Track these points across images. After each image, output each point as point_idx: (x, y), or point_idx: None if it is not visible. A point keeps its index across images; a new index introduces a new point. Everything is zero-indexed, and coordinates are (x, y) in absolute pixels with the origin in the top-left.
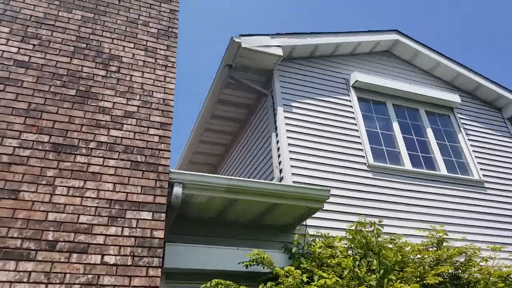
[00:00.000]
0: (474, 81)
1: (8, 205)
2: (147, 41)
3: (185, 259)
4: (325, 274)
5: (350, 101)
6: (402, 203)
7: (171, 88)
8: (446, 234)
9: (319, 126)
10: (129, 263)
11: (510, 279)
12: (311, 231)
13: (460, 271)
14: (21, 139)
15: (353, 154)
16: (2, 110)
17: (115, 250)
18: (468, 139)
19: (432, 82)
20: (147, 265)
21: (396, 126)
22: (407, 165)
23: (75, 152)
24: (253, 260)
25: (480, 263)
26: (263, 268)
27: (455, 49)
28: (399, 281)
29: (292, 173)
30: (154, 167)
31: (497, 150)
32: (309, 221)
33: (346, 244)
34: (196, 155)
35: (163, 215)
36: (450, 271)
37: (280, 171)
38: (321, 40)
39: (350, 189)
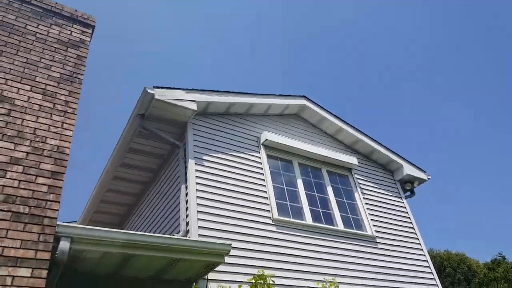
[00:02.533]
0: (371, 146)
1: None
2: (46, 84)
3: None
4: None
5: (259, 157)
6: (303, 256)
7: (68, 135)
8: (337, 286)
9: (229, 180)
10: None
11: None
12: (214, 285)
13: None
14: None
15: (260, 208)
16: None
17: None
18: (363, 197)
19: (334, 145)
20: None
21: (300, 183)
22: (308, 219)
23: None
24: None
25: None
26: None
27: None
28: None
29: (199, 226)
30: (39, 219)
31: (388, 208)
32: (211, 275)
33: None
34: (104, 204)
35: (45, 272)
36: None
37: (187, 224)
38: (236, 99)
39: (254, 242)
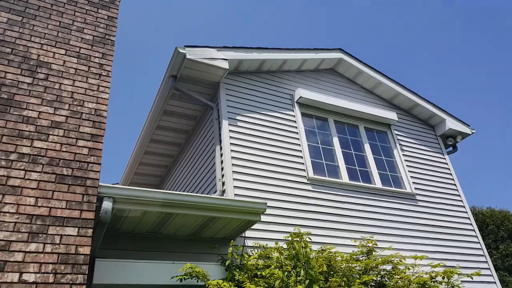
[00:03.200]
0: (412, 100)
1: None
2: (80, 47)
3: (116, 275)
4: (252, 286)
5: (294, 116)
6: (339, 214)
7: (104, 98)
8: (376, 244)
9: (263, 140)
10: (51, 280)
11: (427, 286)
12: (250, 243)
13: (385, 279)
14: None
15: (295, 168)
16: None
17: (35, 268)
18: (403, 154)
19: (372, 100)
20: (70, 282)
21: (336, 141)
22: (345, 178)
23: None
24: (186, 274)
25: (405, 271)
26: (197, 281)
27: (396, 68)
28: None
29: (234, 186)
30: (82, 181)
31: (429, 165)
32: (248, 233)
33: (282, 255)
34: (142, 166)
35: (90, 231)
36: (376, 279)
37: (223, 184)
38: (268, 56)
39: (290, 201)
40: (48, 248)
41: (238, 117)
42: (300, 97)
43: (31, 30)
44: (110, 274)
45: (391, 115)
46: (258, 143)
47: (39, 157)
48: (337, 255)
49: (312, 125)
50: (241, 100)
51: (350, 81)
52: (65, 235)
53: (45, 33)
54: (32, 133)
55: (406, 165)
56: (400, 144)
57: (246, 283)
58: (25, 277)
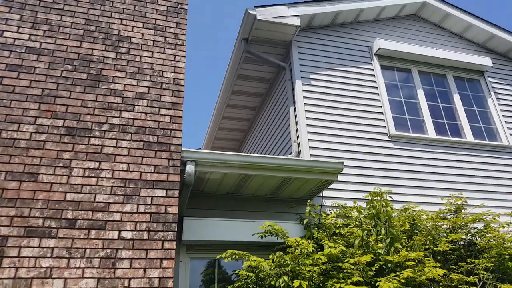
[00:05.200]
0: (509, 42)
1: (28, 187)
2: (156, 19)
3: (203, 232)
4: (331, 244)
5: (372, 69)
6: (424, 172)
7: (181, 67)
8: (465, 201)
9: (338, 98)
10: (145, 237)
11: None
12: (328, 203)
13: (476, 238)
14: (37, 124)
15: (374, 125)
16: (17, 97)
17: (131, 226)
18: (499, 103)
19: (462, 45)
20: (162, 238)
21: (421, 93)
22: (431, 133)
23: (89, 135)
24: (266, 231)
25: (498, 230)
26: (277, 238)
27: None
28: (405, 249)
29: (310, 147)
30: (166, 147)
31: None
32: (326, 193)
33: (361, 214)
34: (221, 131)
35: (177, 192)
36: (465, 238)
37: (298, 145)
38: (342, 7)
39: (369, 160)
40: (141, 209)
41: (312, 76)
42: (379, 48)
43: (111, 6)
44: (196, 231)
45: (485, 60)
46: (333, 101)
47: (128, 127)
48: (421, 213)
49: (393, 78)
50: (314, 58)
51: (436, 26)
52: (155, 196)
53: (123, 8)
54: (120, 104)
55: (503, 115)
56: (495, 93)
57: (324, 241)
58: (123, 234)
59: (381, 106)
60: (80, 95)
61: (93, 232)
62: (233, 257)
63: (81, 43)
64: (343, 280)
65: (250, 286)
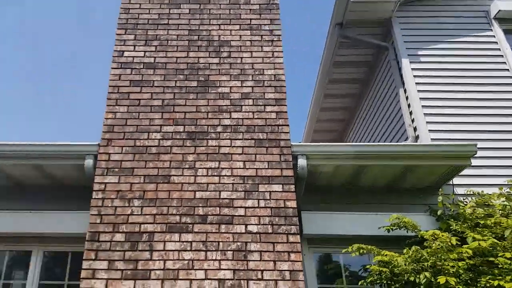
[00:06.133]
0: None
1: (164, 188)
2: (250, 19)
3: (323, 226)
4: (478, 236)
5: (493, 36)
6: None
7: (280, 63)
8: None
9: (456, 73)
10: (270, 231)
11: None
12: (460, 191)
13: None
14: (163, 132)
15: (506, 98)
16: (143, 109)
17: (255, 220)
18: None
19: None
20: (286, 232)
21: None
22: None
23: (207, 137)
24: (394, 224)
25: None
26: (407, 232)
27: None
28: None
29: (428, 130)
30: (276, 143)
31: None
32: (456, 180)
33: (505, 201)
34: (319, 123)
35: (292, 186)
36: None
37: (414, 129)
38: None
39: (506, 139)
40: (262, 203)
41: (420, 52)
42: (499, 10)
43: (208, 14)
44: (316, 225)
45: None
46: (450, 77)
47: (238, 126)
48: None
49: None
50: (420, 32)
51: None
52: (273, 191)
53: (219, 14)
54: (229, 106)
55: None
56: None
57: (467, 233)
58: (250, 228)
59: (510, 77)
60: (194, 102)
61: (222, 226)
62: (360, 251)
63: (188, 53)
64: (500, 277)
65: (384, 282)
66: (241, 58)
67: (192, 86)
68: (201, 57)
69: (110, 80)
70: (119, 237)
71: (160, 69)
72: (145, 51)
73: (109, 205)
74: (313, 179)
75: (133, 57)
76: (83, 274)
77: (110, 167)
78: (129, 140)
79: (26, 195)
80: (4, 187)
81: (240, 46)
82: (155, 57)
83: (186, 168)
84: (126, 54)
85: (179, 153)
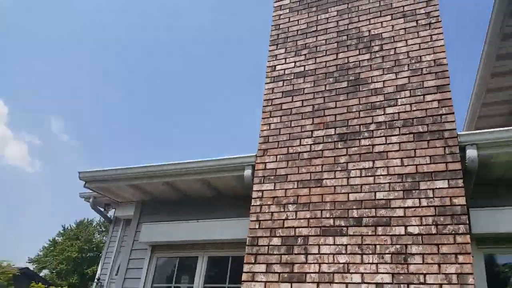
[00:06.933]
0: None
1: (317, 191)
2: (403, 6)
3: (494, 224)
4: None
5: None
6: None
7: (440, 45)
8: None
9: None
10: (433, 231)
11: None
12: None
13: None
14: (314, 137)
15: None
16: (295, 117)
17: (416, 221)
18: None
19: None
20: (453, 232)
21: None
22: None
23: (359, 137)
24: None
25: None
26: None
27: None
28: None
29: None
30: (439, 134)
31: None
32: None
33: None
34: (485, 108)
35: (460, 181)
36: None
37: None
38: None
39: None
40: (424, 202)
41: None
42: None
43: (357, 11)
44: (486, 223)
45: None
46: None
47: (394, 122)
48: None
49: None
50: None
51: None
52: (436, 188)
53: (369, 8)
54: (382, 102)
55: None
56: None
57: None
58: (410, 229)
59: None
60: (344, 102)
61: (379, 228)
62: None
63: (337, 55)
64: None
65: None
66: (394, 49)
67: (342, 87)
68: (350, 56)
69: (264, 94)
70: (275, 241)
71: (310, 76)
72: (295, 62)
73: (266, 211)
74: (484, 172)
75: (284, 69)
76: (244, 277)
77: (266, 175)
78: (282, 149)
79: (193, 206)
80: (175, 200)
81: (393, 36)
82: (304, 66)
83: (338, 170)
84: (278, 68)
85: (330, 156)
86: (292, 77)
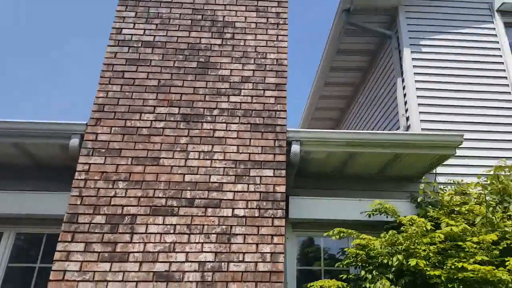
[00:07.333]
0: None
1: (152, 170)
2: (258, 0)
3: (308, 210)
4: (451, 222)
5: (494, 28)
6: None
7: (284, 47)
8: None
9: (453, 64)
10: (256, 215)
11: None
12: (442, 179)
13: None
14: (156, 113)
15: (495, 91)
16: (137, 89)
17: (243, 204)
18: None
19: None
20: (272, 216)
21: None
22: None
23: (202, 120)
24: (375, 210)
25: None
26: (387, 217)
27: None
28: None
29: (420, 120)
30: (272, 128)
31: None
32: (440, 169)
33: (480, 190)
34: (318, 111)
35: (284, 172)
36: None
37: (407, 119)
38: None
39: (490, 131)
40: (251, 188)
41: (422, 42)
42: (503, 3)
43: None
44: (302, 210)
45: None
46: (447, 69)
47: (236, 110)
48: None
49: None
50: (425, 22)
51: None
52: (263, 176)
53: None
54: (228, 89)
55: None
56: None
57: (441, 219)
58: (236, 212)
59: (504, 70)
60: (192, 83)
61: (209, 210)
62: (341, 235)
63: (190, 32)
64: (465, 260)
65: (360, 264)
66: (245, 40)
67: (191, 67)
68: (203, 38)
69: (106, 57)
70: (99, 219)
71: (159, 48)
72: (145, 29)
73: (92, 186)
74: (304, 165)
75: (132, 34)
76: (56, 255)
77: (96, 147)
78: (119, 121)
79: (4, 174)
80: None
81: (245, 28)
82: (154, 36)
83: (177, 151)
84: (124, 31)
85: (171, 135)
86: (140, 45)
